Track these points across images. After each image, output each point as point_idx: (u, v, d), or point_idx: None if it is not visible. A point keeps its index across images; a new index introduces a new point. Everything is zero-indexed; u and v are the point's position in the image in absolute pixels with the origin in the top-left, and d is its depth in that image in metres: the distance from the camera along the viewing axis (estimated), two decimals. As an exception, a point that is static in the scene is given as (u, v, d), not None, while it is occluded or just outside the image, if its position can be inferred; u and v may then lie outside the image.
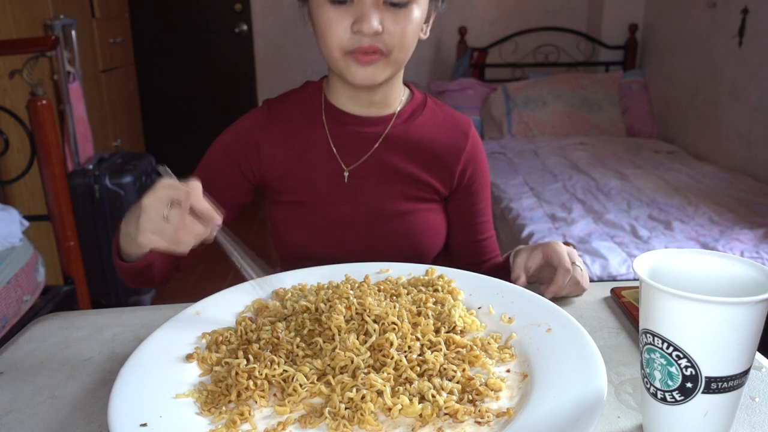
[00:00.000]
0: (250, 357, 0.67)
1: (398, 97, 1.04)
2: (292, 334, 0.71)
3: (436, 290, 0.80)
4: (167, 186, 0.70)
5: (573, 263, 0.86)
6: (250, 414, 0.59)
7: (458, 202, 1.08)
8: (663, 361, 0.53)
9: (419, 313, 0.74)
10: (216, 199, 0.95)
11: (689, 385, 0.52)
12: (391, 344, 0.67)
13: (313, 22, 0.94)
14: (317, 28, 0.92)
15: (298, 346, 0.69)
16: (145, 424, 0.56)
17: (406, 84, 1.06)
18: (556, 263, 0.86)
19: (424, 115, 1.05)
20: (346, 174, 1.01)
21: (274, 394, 0.63)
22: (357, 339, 0.68)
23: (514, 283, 0.87)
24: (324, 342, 0.69)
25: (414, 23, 0.91)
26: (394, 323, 0.70)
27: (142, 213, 0.69)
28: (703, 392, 0.52)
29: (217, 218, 0.71)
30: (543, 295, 0.81)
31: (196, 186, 0.70)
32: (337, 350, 0.66)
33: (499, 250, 1.12)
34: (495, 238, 1.13)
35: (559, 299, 0.87)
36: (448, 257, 1.12)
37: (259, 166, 1.02)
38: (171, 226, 0.69)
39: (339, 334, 0.69)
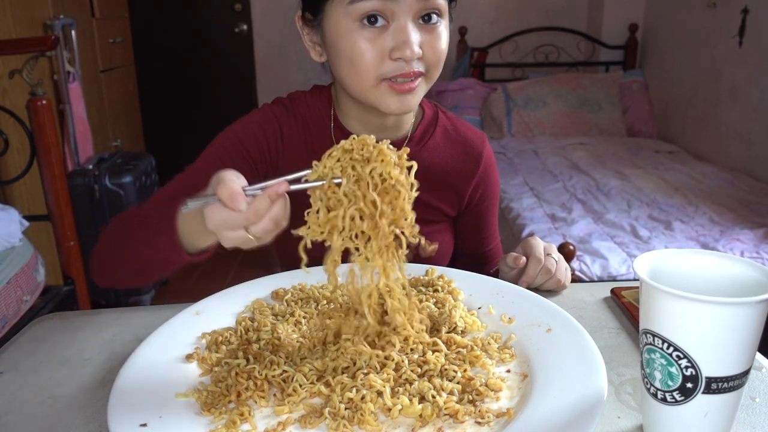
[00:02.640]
0: (250, 357, 0.67)
1: (409, 118, 0.99)
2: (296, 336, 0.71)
3: (436, 290, 0.80)
4: (220, 216, 0.60)
5: (549, 255, 0.88)
6: (250, 414, 0.59)
7: (467, 219, 1.06)
8: (663, 361, 0.53)
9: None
10: None
11: (689, 385, 0.52)
12: (393, 346, 0.67)
13: (336, 49, 0.85)
14: (345, 55, 0.83)
15: (300, 347, 0.69)
16: (145, 424, 0.56)
17: None
18: (529, 253, 0.88)
19: (436, 136, 1.00)
20: None
21: (274, 395, 0.63)
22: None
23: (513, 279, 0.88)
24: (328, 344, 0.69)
25: (446, 38, 0.86)
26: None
27: (221, 240, 0.62)
28: (703, 392, 0.52)
29: (281, 187, 0.61)
30: (519, 285, 0.84)
31: (225, 192, 0.59)
32: (340, 351, 0.66)
33: (502, 255, 1.12)
34: (500, 246, 1.12)
35: (551, 297, 0.87)
36: (451, 262, 1.12)
37: (277, 157, 0.95)
38: (252, 233, 0.61)
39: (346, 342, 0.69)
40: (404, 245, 0.66)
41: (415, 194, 0.65)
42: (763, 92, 2.66)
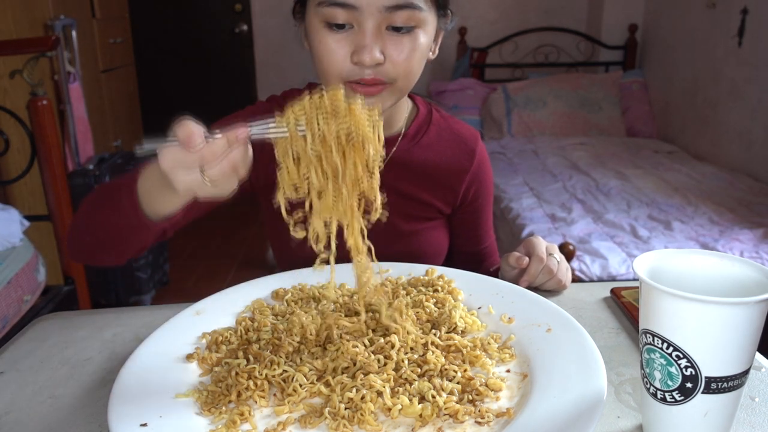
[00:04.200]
0: (250, 357, 0.67)
1: (402, 116, 1.00)
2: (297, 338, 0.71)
3: (436, 290, 0.80)
4: (174, 156, 0.59)
5: (551, 255, 0.88)
6: (250, 414, 0.59)
7: (461, 217, 1.07)
8: (663, 361, 0.53)
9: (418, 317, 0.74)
10: None
11: (689, 385, 0.52)
12: (393, 346, 0.67)
13: (310, 44, 0.87)
14: (314, 51, 0.85)
15: (300, 348, 0.69)
16: (145, 424, 0.56)
17: (410, 96, 1.02)
18: (531, 252, 0.89)
19: (429, 133, 1.01)
20: None
21: (274, 395, 0.63)
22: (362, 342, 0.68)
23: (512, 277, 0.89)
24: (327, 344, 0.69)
25: (420, 49, 0.84)
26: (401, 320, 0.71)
27: (173, 184, 0.60)
28: (703, 392, 0.52)
29: (240, 132, 0.60)
30: (520, 284, 0.85)
31: (183, 132, 0.59)
32: (340, 351, 0.66)
33: (498, 253, 1.12)
34: (495, 244, 1.13)
35: (551, 297, 0.87)
36: (448, 260, 1.12)
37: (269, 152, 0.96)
38: (208, 175, 0.59)
39: (343, 340, 0.69)
40: (378, 206, 0.67)
41: (382, 156, 0.65)
42: (762, 92, 2.66)
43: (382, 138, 0.66)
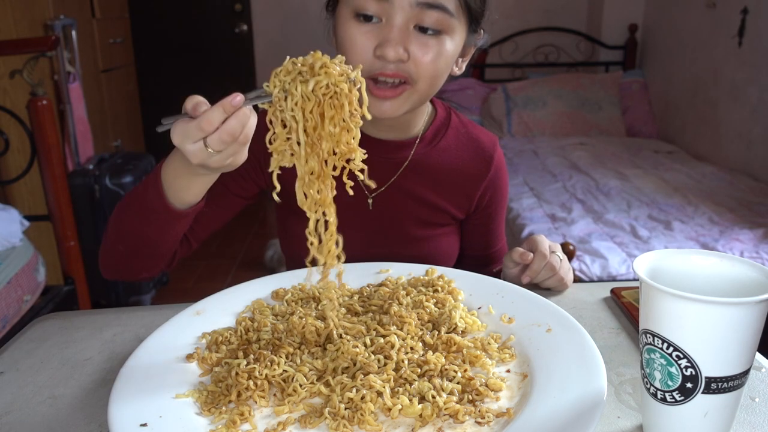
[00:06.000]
0: (251, 357, 0.67)
1: (422, 119, 0.98)
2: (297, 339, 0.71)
3: (436, 291, 0.80)
4: (180, 128, 0.63)
5: (553, 252, 0.88)
6: (250, 414, 0.59)
7: (474, 222, 1.06)
8: (663, 361, 0.53)
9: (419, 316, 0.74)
10: (223, 190, 0.92)
11: (689, 385, 0.52)
12: (392, 346, 0.67)
13: (336, 37, 0.86)
14: (340, 43, 0.84)
15: (299, 348, 0.69)
16: (145, 424, 0.56)
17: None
18: (534, 249, 0.88)
19: (447, 137, 1.00)
20: (370, 201, 0.97)
21: (274, 395, 0.63)
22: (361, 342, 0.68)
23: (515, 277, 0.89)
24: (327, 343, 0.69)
25: (445, 56, 0.83)
26: (401, 317, 0.71)
27: (187, 158, 0.65)
28: (703, 392, 0.52)
29: (235, 98, 0.63)
30: (522, 282, 0.86)
31: (190, 103, 0.64)
32: (340, 351, 0.66)
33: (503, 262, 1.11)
34: (505, 248, 1.11)
35: (551, 297, 0.87)
36: (457, 263, 1.11)
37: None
38: (209, 143, 0.63)
39: (342, 338, 0.69)
40: (358, 163, 0.67)
41: (360, 118, 0.66)
42: (762, 92, 2.66)
43: (366, 98, 0.66)
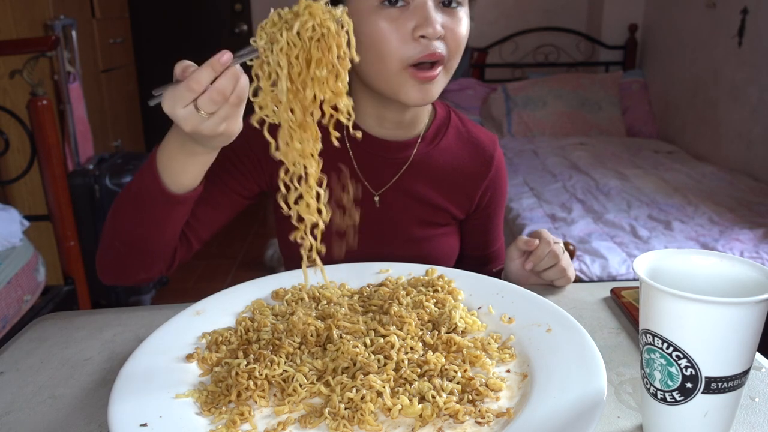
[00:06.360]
0: (251, 357, 0.67)
1: (425, 115, 0.99)
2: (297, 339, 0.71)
3: (436, 291, 0.80)
4: (170, 94, 0.63)
5: (557, 242, 0.89)
6: (250, 414, 0.59)
7: (474, 222, 1.06)
8: (663, 361, 0.53)
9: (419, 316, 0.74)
10: (224, 188, 0.91)
11: (689, 385, 0.52)
12: (392, 346, 0.67)
13: (358, 35, 0.84)
14: (368, 39, 0.81)
15: (299, 348, 0.69)
16: (145, 424, 0.56)
17: None
18: (539, 237, 0.89)
19: (448, 136, 1.00)
20: (376, 199, 0.97)
21: (274, 395, 0.63)
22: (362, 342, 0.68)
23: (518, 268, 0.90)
24: (327, 343, 0.69)
25: (468, 26, 0.85)
26: (401, 317, 0.71)
27: (180, 125, 0.64)
28: (703, 392, 0.52)
29: (223, 56, 0.62)
30: (524, 267, 0.88)
31: (179, 67, 0.64)
32: (340, 351, 0.66)
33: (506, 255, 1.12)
34: (504, 247, 1.11)
35: (551, 297, 0.87)
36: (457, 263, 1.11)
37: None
38: (200, 105, 0.62)
39: (342, 338, 0.69)
40: (344, 111, 0.66)
41: (348, 55, 0.64)
42: (762, 92, 2.66)
43: (353, 39, 0.65)
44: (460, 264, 1.08)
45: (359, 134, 0.73)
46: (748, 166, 2.78)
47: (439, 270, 0.87)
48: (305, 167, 0.67)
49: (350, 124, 0.67)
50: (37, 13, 2.52)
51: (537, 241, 0.88)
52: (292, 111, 0.65)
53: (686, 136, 3.30)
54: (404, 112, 0.93)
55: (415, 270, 0.88)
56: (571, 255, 1.88)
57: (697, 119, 3.18)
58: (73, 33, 2.69)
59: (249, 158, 0.94)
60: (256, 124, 0.66)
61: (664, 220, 2.24)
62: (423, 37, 0.80)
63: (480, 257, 1.10)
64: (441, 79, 0.86)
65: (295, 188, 0.67)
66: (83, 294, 2.23)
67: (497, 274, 0.94)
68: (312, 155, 0.67)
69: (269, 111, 0.65)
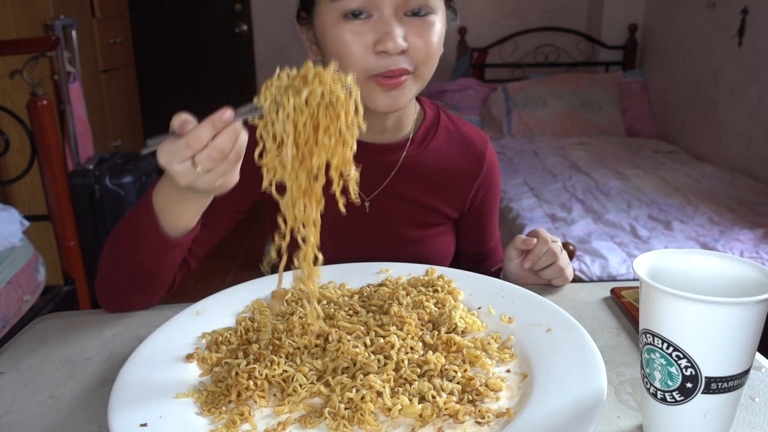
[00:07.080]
0: (251, 357, 0.67)
1: (411, 118, 0.98)
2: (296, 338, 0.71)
3: (436, 291, 0.80)
4: (167, 148, 0.60)
5: (555, 241, 0.89)
6: (250, 414, 0.59)
7: (468, 220, 1.06)
8: (663, 361, 0.53)
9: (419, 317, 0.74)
10: (219, 209, 0.90)
11: (689, 385, 0.52)
12: (392, 346, 0.67)
13: (324, 45, 0.84)
14: (332, 50, 0.82)
15: (299, 348, 0.69)
16: (145, 424, 0.56)
17: (417, 98, 0.99)
18: (537, 236, 0.89)
19: (438, 137, 0.99)
20: (367, 204, 0.96)
21: (274, 395, 0.63)
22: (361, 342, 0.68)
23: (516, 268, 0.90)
24: (327, 343, 0.69)
25: (439, 34, 0.83)
26: (401, 317, 0.71)
27: (175, 180, 0.62)
28: (703, 392, 0.52)
29: (225, 113, 0.59)
30: (522, 266, 0.88)
31: (177, 121, 0.61)
32: (340, 351, 0.66)
33: (502, 252, 1.12)
34: (499, 244, 1.12)
35: (551, 297, 0.87)
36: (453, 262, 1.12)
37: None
38: (198, 161, 0.60)
39: (343, 340, 0.69)
40: (351, 177, 0.64)
41: (356, 125, 0.62)
42: (762, 92, 2.66)
43: (360, 108, 0.63)
44: (457, 262, 1.09)
45: (357, 200, 0.72)
46: (748, 166, 2.78)
47: (439, 270, 0.87)
48: (303, 232, 0.64)
49: (355, 188, 0.64)
50: (37, 13, 2.52)
51: (535, 240, 0.89)
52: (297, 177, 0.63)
53: (686, 136, 3.30)
54: (385, 118, 0.92)
55: (415, 270, 0.88)
56: (571, 255, 1.88)
57: (697, 119, 3.18)
58: (73, 33, 2.69)
59: (242, 173, 0.94)
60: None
61: (664, 220, 2.24)
62: (384, 52, 0.79)
63: (476, 254, 1.10)
64: (410, 86, 0.84)
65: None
66: (83, 294, 2.23)
67: (496, 274, 0.94)
68: (314, 223, 0.64)
69: (278, 173, 0.62)
